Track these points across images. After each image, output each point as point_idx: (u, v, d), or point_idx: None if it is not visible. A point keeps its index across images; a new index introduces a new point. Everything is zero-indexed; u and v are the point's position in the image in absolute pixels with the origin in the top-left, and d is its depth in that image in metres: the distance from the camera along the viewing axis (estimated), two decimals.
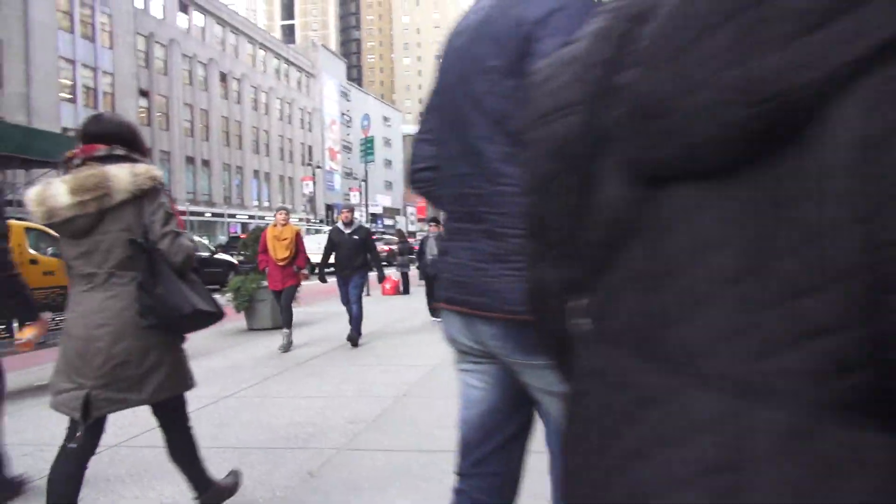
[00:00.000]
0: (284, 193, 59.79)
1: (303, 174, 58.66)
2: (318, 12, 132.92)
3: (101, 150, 2.34)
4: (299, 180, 60.47)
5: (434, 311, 8.85)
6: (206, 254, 16.53)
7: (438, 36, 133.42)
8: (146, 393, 2.34)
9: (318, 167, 59.84)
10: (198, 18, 47.17)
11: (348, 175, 72.52)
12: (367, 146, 15.71)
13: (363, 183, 26.58)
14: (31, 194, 2.30)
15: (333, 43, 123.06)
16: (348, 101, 76.25)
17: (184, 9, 45.39)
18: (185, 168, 45.07)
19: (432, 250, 7.32)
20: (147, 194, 2.33)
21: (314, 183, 55.87)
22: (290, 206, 58.37)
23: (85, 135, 2.39)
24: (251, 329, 9.09)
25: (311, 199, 56.53)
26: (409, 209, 76.31)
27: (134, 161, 2.37)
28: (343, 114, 73.83)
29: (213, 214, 47.30)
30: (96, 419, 2.31)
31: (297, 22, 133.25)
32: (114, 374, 2.27)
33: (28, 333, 2.71)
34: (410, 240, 17.38)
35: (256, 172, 54.70)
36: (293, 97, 61.68)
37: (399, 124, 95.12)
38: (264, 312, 8.98)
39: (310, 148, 64.34)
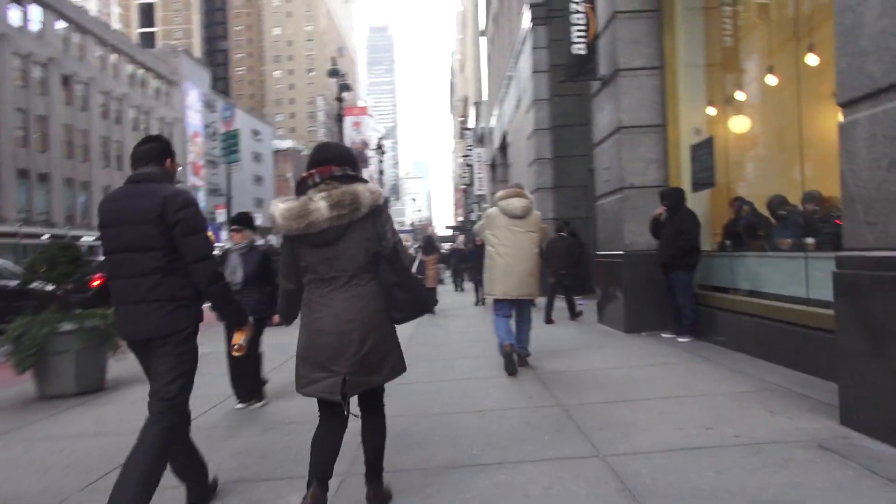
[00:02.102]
0: None
1: None
2: (181, 20, 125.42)
3: (337, 170, 2.83)
4: None
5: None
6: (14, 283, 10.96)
7: (311, 49, 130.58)
8: (383, 375, 2.89)
9: (180, 182, 55.38)
10: (35, 12, 41.99)
11: (214, 192, 68.13)
12: (230, 142, 13.28)
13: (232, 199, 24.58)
14: (284, 209, 2.76)
15: (198, 53, 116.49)
16: (213, 112, 71.89)
17: (17, 0, 40.23)
18: (17, 182, 39.82)
19: (235, 271, 5.23)
20: (379, 209, 2.85)
21: None
22: None
23: (321, 159, 2.87)
24: (44, 397, 6.25)
25: None
26: None
27: (362, 181, 2.87)
28: (207, 126, 69.50)
29: (54, 236, 41.96)
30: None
31: (157, 30, 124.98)
32: (363, 361, 2.78)
33: (240, 338, 3.12)
34: None
35: (107, 189, 49.58)
36: (151, 106, 57.11)
37: (270, 139, 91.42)
38: (64, 370, 6.21)
39: None
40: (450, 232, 57.20)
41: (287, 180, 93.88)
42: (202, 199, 65.63)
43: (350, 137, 23.40)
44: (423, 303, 2.97)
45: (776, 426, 3.83)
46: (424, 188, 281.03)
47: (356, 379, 2.77)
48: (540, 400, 4.94)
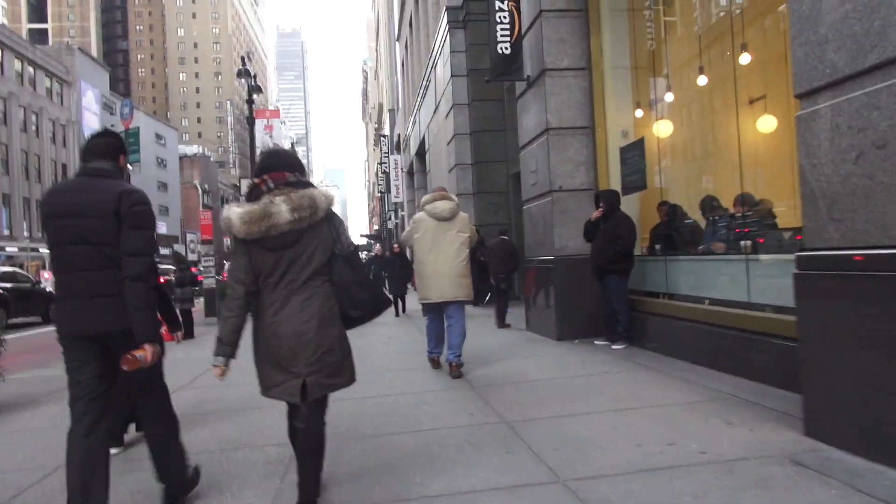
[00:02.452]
0: (31, 219, 51.02)
1: None
2: (75, 17, 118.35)
3: (291, 176, 2.88)
4: None
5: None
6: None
7: (218, 51, 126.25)
8: (346, 377, 2.98)
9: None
10: None
11: None
12: (130, 141, 12.13)
13: None
14: (243, 212, 2.77)
15: (95, 53, 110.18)
16: (112, 114, 67.84)
17: None
18: None
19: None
20: (332, 213, 2.92)
21: None
22: (39, 234, 50.32)
23: (272, 165, 2.90)
24: None
25: None
26: (190, 236, 69.71)
27: (313, 186, 2.93)
28: (107, 129, 65.48)
29: None
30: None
31: (49, 26, 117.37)
32: (322, 361, 2.83)
33: (139, 353, 2.80)
34: (193, 269, 14.68)
35: None
36: (41, 106, 53.27)
37: (175, 144, 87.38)
38: None
39: (64, 166, 55.99)
40: (364, 241, 56.35)
41: (195, 187, 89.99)
42: None
43: (262, 141, 22.33)
44: (381, 301, 3.07)
45: (739, 440, 3.57)
46: (339, 197, 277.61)
47: (318, 380, 2.84)
48: (482, 416, 4.53)
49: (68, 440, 2.80)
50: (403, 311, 14.08)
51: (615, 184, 7.72)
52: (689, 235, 7.16)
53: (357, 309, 2.95)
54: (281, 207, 2.76)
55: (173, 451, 3.10)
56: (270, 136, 23.50)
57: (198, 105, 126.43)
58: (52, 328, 3.15)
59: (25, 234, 49.24)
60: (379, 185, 51.63)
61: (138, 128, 12.36)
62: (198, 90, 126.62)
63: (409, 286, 15.39)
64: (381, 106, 56.40)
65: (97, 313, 2.82)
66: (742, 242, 5.66)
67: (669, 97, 7.59)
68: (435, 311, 6.36)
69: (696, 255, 6.69)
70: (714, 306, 5.77)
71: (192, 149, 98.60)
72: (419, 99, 23.86)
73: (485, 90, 15.40)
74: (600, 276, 7.30)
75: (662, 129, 7.71)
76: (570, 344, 7.67)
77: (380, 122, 55.91)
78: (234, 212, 2.81)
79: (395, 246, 14.18)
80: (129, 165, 12.74)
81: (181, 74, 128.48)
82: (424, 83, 21.67)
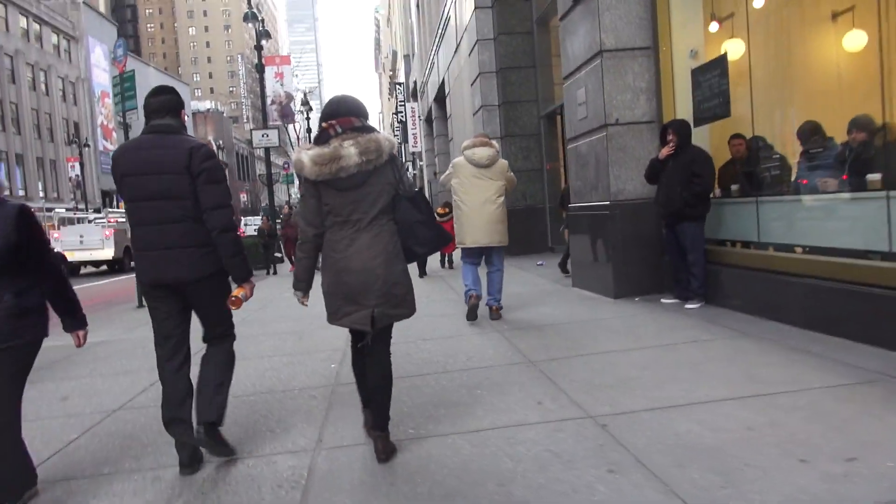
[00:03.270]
0: (45, 179, 50.47)
1: (68, 155, 50.03)
2: None
3: (357, 122, 2.99)
4: (64, 162, 51.47)
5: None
6: None
7: (227, 4, 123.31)
8: (409, 308, 3.12)
9: (87, 146, 51.13)
10: None
11: None
12: (126, 86, 11.00)
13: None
14: (315, 154, 2.90)
15: (102, 9, 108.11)
16: None
17: None
18: None
19: None
20: (394, 156, 3.04)
21: (81, 165, 47.87)
22: (55, 194, 49.78)
23: (340, 111, 3.00)
24: None
25: (80, 185, 48.25)
26: None
27: (377, 131, 3.01)
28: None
29: None
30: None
31: None
32: (389, 294, 2.99)
33: (240, 292, 3.13)
34: None
35: (2, 154, 45.10)
36: (49, 63, 52.10)
37: (187, 98, 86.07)
38: None
39: (76, 125, 55.15)
40: None
41: (210, 142, 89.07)
42: None
43: (272, 89, 21.22)
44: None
45: None
46: None
47: (384, 311, 2.99)
48: (556, 407, 3.50)
49: (161, 374, 3.13)
50: (424, 272, 11.53)
51: (684, 114, 6.49)
52: (777, 173, 5.97)
53: (422, 246, 3.10)
54: (350, 150, 2.88)
55: (223, 392, 3.19)
56: (282, 84, 22.29)
57: (208, 60, 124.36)
58: None
59: (41, 193, 48.71)
60: (396, 135, 50.13)
61: (133, 71, 11.20)
62: (208, 44, 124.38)
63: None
64: (394, 53, 54.37)
65: (176, 263, 3.00)
66: (869, 176, 4.48)
67: (751, 7, 6.28)
68: (472, 256, 6.40)
69: (786, 195, 5.52)
70: (834, 257, 4.62)
71: (205, 104, 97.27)
72: (437, 40, 22.35)
73: (512, 22, 14.01)
74: (671, 224, 6.17)
75: (740, 47, 6.42)
76: (632, 303, 6.59)
77: (394, 69, 53.96)
78: (306, 154, 2.93)
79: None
80: (129, 115, 11.67)
81: (190, 28, 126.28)
82: (443, 21, 20.16)
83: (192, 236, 3.00)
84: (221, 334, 3.25)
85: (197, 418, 3.10)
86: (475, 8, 14.31)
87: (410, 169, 41.35)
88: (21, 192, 46.73)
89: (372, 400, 3.14)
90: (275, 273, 16.22)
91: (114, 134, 62.00)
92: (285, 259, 17.68)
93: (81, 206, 47.06)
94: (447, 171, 6.40)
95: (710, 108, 6.15)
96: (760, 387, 3.48)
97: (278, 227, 18.08)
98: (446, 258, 13.32)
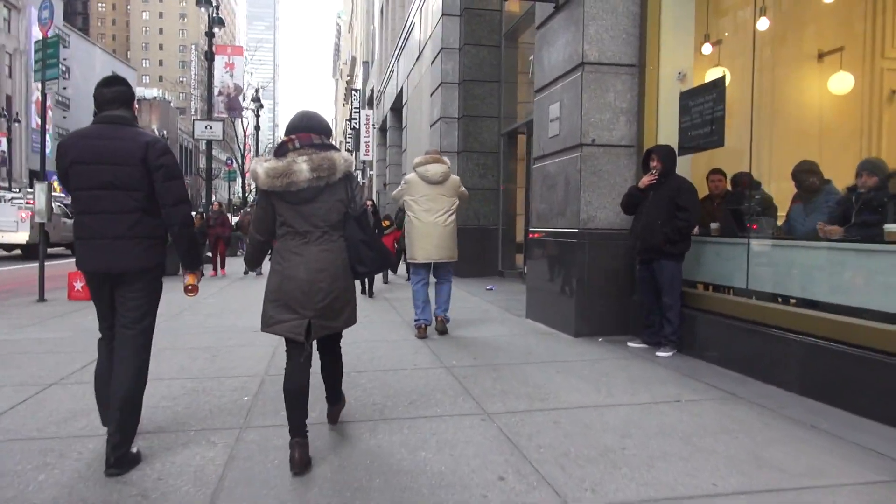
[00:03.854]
0: None
1: None
2: None
3: (316, 139, 3.09)
4: None
5: None
6: None
7: None
8: (342, 321, 3.20)
9: (17, 121, 48.17)
10: None
11: (62, 136, 60.19)
12: (49, 52, 9.75)
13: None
14: (269, 167, 2.98)
15: None
16: (66, 47, 63.36)
17: None
18: None
19: None
20: (350, 175, 3.14)
21: (9, 141, 45.00)
22: None
23: (301, 126, 3.11)
24: None
25: (5, 162, 45.33)
26: None
27: (335, 149, 3.13)
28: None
29: None
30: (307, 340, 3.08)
31: None
32: (328, 307, 3.07)
33: (194, 279, 3.30)
34: None
35: None
36: None
37: (133, 84, 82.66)
38: None
39: (8, 98, 51.93)
40: None
41: (153, 131, 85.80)
42: (49, 144, 57.84)
43: (221, 80, 20.00)
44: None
45: None
46: None
47: (320, 323, 3.08)
48: (536, 495, 2.73)
49: (99, 358, 3.19)
50: (370, 292, 10.20)
51: (667, 140, 5.89)
52: (763, 213, 5.43)
53: (363, 265, 3.18)
54: (302, 167, 2.97)
55: (138, 383, 3.11)
56: (231, 76, 21.12)
57: (160, 47, 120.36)
58: None
59: None
60: (347, 143, 49.01)
61: (57, 37, 10.02)
62: (161, 31, 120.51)
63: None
64: (353, 60, 53.44)
65: (122, 253, 3.03)
66: (888, 227, 3.91)
67: (751, 30, 5.76)
68: (422, 273, 6.46)
69: (800, 240, 4.96)
70: (842, 315, 4.02)
71: (152, 92, 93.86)
72: (398, 47, 21.65)
73: (480, 33, 13.41)
74: (646, 260, 5.54)
75: (733, 72, 5.90)
76: (594, 343, 5.92)
77: (352, 75, 52.98)
78: (261, 166, 3.02)
79: (368, 202, 11.86)
80: (54, 85, 10.43)
81: (144, 13, 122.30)
82: (407, 27, 19.48)
83: (141, 227, 3.04)
84: (135, 332, 3.14)
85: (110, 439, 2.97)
86: (442, 14, 13.66)
87: (360, 177, 40.36)
88: None
89: (326, 384, 3.48)
90: (201, 274, 14.74)
91: (49, 112, 58.84)
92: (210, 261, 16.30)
93: (5, 184, 44.14)
94: (399, 187, 6.47)
95: (699, 136, 5.56)
96: (775, 476, 2.79)
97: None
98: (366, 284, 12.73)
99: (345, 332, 3.43)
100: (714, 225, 5.72)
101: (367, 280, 9.32)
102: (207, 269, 15.03)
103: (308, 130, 3.10)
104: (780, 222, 5.39)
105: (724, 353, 4.95)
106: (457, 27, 13.62)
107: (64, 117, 61.51)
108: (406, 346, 5.90)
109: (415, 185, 6.24)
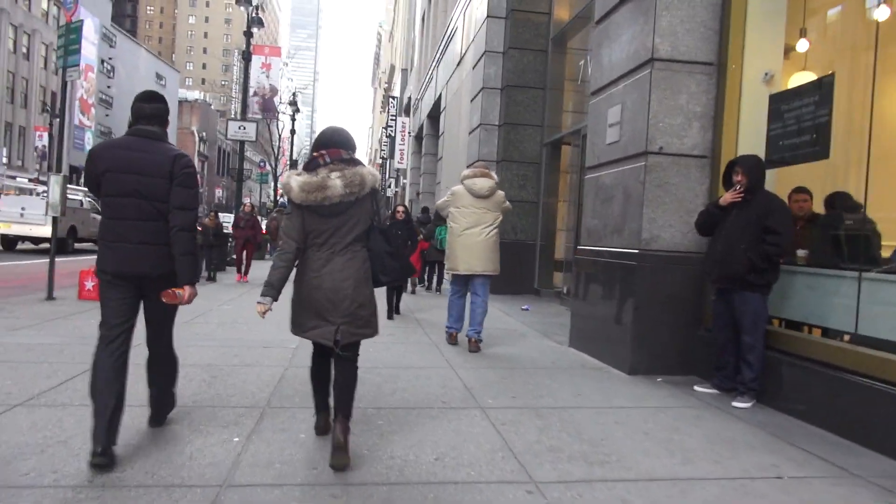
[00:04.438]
0: (11, 145, 47.97)
1: (40, 124, 47.73)
2: None
3: (345, 154, 3.24)
4: (33, 131, 49.07)
5: None
6: None
7: None
8: (373, 329, 3.32)
9: (58, 117, 48.77)
10: None
11: (105, 134, 61.16)
12: (72, 38, 9.18)
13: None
14: (303, 182, 3.13)
15: None
16: (112, 47, 64.69)
17: None
18: None
19: None
20: (376, 190, 3.28)
21: (49, 136, 45.55)
22: (19, 163, 47.22)
23: (332, 142, 3.26)
24: None
25: (45, 156, 45.90)
26: None
27: (362, 164, 3.26)
28: (104, 61, 62.28)
29: None
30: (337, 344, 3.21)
31: None
32: (354, 314, 3.20)
33: (183, 291, 3.23)
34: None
35: None
36: (35, 28, 49.89)
37: (175, 87, 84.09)
38: None
39: (53, 94, 52.78)
40: None
41: (192, 133, 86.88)
42: (90, 140, 58.67)
43: (257, 80, 19.56)
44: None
45: None
46: None
47: (349, 329, 3.20)
48: None
49: (97, 361, 3.12)
50: (396, 309, 8.79)
51: (750, 150, 5.01)
52: (859, 243, 4.52)
53: (386, 275, 3.33)
54: (336, 182, 3.10)
55: (170, 380, 3.56)
56: (268, 76, 20.68)
57: (204, 50, 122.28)
58: None
59: (4, 160, 46.17)
60: (382, 150, 48.62)
61: (81, 22, 9.51)
62: (206, 35, 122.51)
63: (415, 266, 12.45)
64: (392, 68, 53.19)
65: (145, 258, 3.18)
66: None
67: (855, 23, 4.89)
68: (460, 284, 6.51)
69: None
70: None
71: (194, 94, 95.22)
72: (439, 52, 21.01)
73: (526, 37, 12.64)
74: (725, 291, 4.68)
75: (829, 72, 5.01)
76: (652, 383, 5.06)
77: (390, 83, 52.69)
78: (295, 180, 3.16)
79: (399, 208, 10.48)
80: (75, 72, 9.91)
81: (191, 17, 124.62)
82: (449, 32, 18.83)
83: (163, 235, 3.19)
84: (164, 336, 3.47)
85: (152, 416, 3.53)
86: (487, 16, 12.93)
87: (393, 186, 39.84)
88: None
89: (337, 394, 3.23)
90: (213, 280, 13.25)
91: (92, 110, 59.71)
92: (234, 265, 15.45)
93: (45, 178, 44.68)
94: (445, 198, 6.56)
95: (793, 145, 4.67)
96: None
97: (227, 226, 16.11)
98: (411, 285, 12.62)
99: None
100: (801, 252, 4.82)
101: (394, 298, 8.54)
102: (232, 274, 14.41)
103: (337, 146, 3.24)
104: (885, 253, 4.49)
105: (821, 409, 4.05)
106: (502, 30, 12.87)
107: (107, 115, 62.45)
108: (435, 375, 5.10)
109: (461, 196, 6.32)
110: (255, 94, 20.79)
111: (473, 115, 13.78)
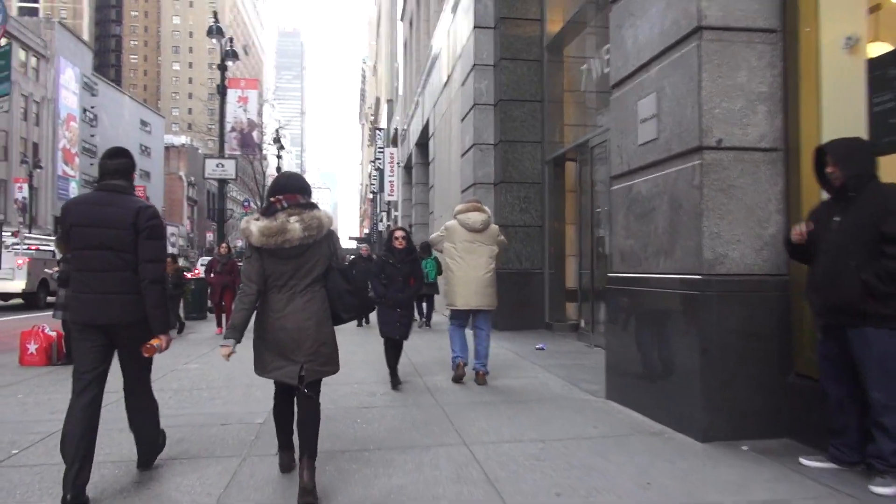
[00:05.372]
0: None
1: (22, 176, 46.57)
2: None
3: (302, 199, 3.38)
4: (13, 183, 47.91)
5: None
6: None
7: (214, 42, 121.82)
8: (334, 367, 3.44)
9: (39, 167, 47.64)
10: None
11: (90, 183, 60.02)
12: (1, 63, 7.77)
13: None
14: (263, 227, 3.25)
15: (87, 36, 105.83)
16: (94, 95, 63.95)
17: None
18: None
19: None
20: (331, 231, 3.43)
21: (30, 187, 44.34)
22: (0, 217, 45.90)
23: (287, 187, 3.40)
24: None
25: (25, 208, 44.61)
26: (171, 228, 64.94)
27: (317, 208, 3.42)
28: (86, 110, 61.50)
29: None
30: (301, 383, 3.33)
31: (40, 6, 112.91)
32: (318, 352, 3.32)
33: (156, 342, 3.38)
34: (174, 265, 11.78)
35: None
36: (14, 79, 48.92)
37: (161, 132, 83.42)
38: None
39: (35, 146, 51.74)
40: (353, 244, 52.48)
41: (180, 178, 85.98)
42: (74, 190, 57.49)
43: (233, 116, 18.35)
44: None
45: None
46: (331, 199, 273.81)
47: (313, 367, 3.31)
48: None
49: (70, 408, 3.27)
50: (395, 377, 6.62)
51: (841, 134, 3.77)
52: None
53: (347, 312, 3.47)
54: (295, 226, 3.22)
55: (150, 424, 3.65)
56: (245, 110, 19.53)
57: (189, 96, 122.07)
58: None
59: None
60: (371, 185, 47.59)
61: (10, 45, 8.34)
62: (190, 80, 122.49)
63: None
64: (377, 100, 52.50)
65: (110, 307, 3.30)
66: None
67: None
68: (460, 319, 6.40)
69: None
70: None
71: (181, 139, 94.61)
72: (424, 77, 19.99)
73: (517, 46, 11.52)
74: (834, 326, 3.40)
75: None
76: (738, 454, 3.74)
77: (376, 115, 51.94)
78: (255, 224, 3.27)
79: (398, 234, 7.59)
80: (6, 102, 8.53)
81: (174, 64, 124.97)
82: (433, 54, 17.81)
83: (129, 284, 3.33)
84: (141, 383, 3.59)
85: (139, 459, 3.66)
86: (474, 27, 11.83)
87: (385, 219, 38.64)
88: None
89: (301, 434, 3.28)
90: (179, 332, 11.48)
91: (76, 159, 58.70)
92: (212, 312, 13.40)
93: (26, 230, 43.33)
94: (438, 232, 6.60)
95: None
96: None
97: (191, 272, 14.70)
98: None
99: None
100: None
101: (395, 360, 6.31)
102: (212, 326, 12.86)
103: (293, 191, 3.37)
104: None
105: None
106: (491, 40, 11.76)
107: (91, 164, 61.31)
108: (446, 464, 3.76)
109: (456, 231, 6.27)
110: (233, 129, 19.66)
111: (465, 135, 12.61)
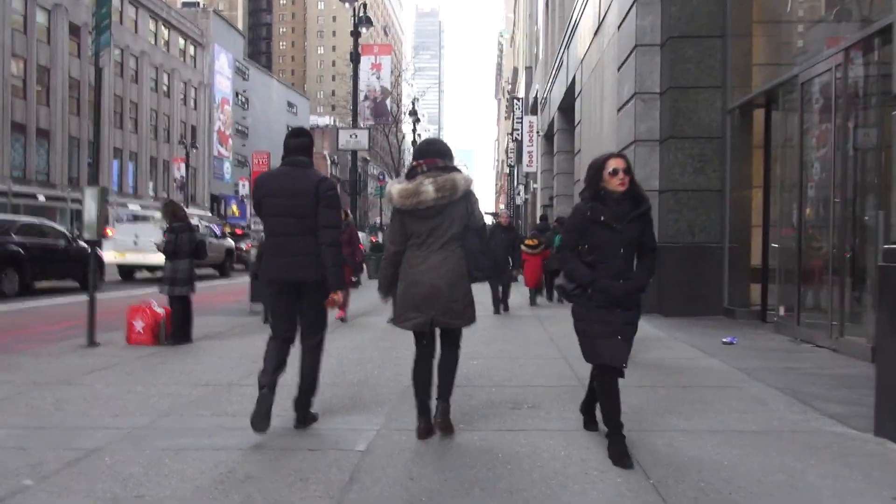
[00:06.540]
0: (157, 178, 50.38)
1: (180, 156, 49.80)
2: None
3: (440, 162, 3.63)
4: (173, 163, 51.31)
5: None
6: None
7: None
8: (465, 319, 3.67)
9: (195, 147, 50.56)
10: None
11: (241, 163, 63.41)
12: (102, 13, 7.10)
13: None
14: (401, 189, 3.58)
15: (241, 26, 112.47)
16: (245, 80, 67.24)
17: None
18: (12, 138, 35.19)
19: None
20: (469, 193, 3.63)
21: (186, 166, 47.11)
22: (164, 194, 49.38)
23: (428, 152, 3.70)
24: None
25: (183, 186, 47.48)
26: None
27: (457, 171, 3.67)
28: (238, 94, 64.83)
29: (50, 198, 37.20)
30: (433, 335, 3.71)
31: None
32: (448, 308, 3.57)
33: (338, 296, 3.88)
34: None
35: (118, 151, 44.92)
36: (174, 67, 52.38)
37: (306, 114, 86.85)
38: None
39: (192, 128, 55.21)
40: (489, 219, 51.39)
41: (324, 157, 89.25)
42: (228, 170, 60.86)
43: (367, 84, 17.56)
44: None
45: None
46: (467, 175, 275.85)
47: (442, 319, 3.59)
48: None
49: (266, 350, 3.80)
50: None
51: None
52: None
53: (480, 271, 3.66)
54: (428, 188, 3.48)
55: (314, 370, 3.93)
56: (378, 77, 18.67)
57: (333, 78, 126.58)
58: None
59: (151, 192, 48.43)
60: (509, 159, 45.98)
61: None
62: (334, 63, 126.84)
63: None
64: (515, 70, 50.59)
65: (296, 267, 3.76)
66: None
67: None
68: None
69: None
70: None
71: (325, 120, 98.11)
72: (568, 31, 18.02)
73: None
74: None
75: None
76: None
77: (514, 85, 50.09)
78: (395, 187, 3.62)
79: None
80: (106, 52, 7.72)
81: (319, 48, 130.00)
82: (581, 2, 15.80)
83: (313, 247, 3.75)
84: (315, 332, 3.94)
85: (298, 398, 3.89)
86: None
87: (522, 193, 36.97)
88: (132, 190, 46.63)
89: (439, 379, 3.71)
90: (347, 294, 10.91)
91: (230, 140, 61.99)
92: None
93: (187, 207, 46.28)
94: None
95: None
96: None
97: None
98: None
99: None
100: None
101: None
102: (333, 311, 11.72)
103: (433, 156, 3.65)
104: None
105: None
106: None
107: (243, 145, 64.65)
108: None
109: None
110: (367, 97, 18.84)
111: (624, 85, 10.67)
